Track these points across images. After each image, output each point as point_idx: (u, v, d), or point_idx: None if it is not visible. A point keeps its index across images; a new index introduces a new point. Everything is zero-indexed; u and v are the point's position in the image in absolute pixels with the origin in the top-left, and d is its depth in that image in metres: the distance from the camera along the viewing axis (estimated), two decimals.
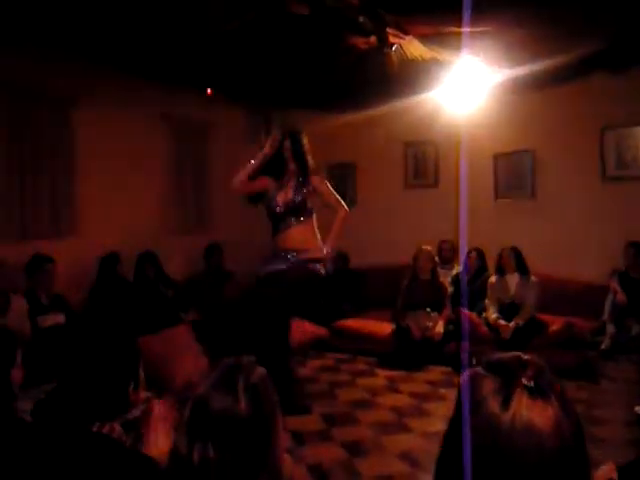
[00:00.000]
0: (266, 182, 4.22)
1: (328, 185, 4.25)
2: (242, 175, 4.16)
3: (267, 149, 4.16)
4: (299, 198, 4.10)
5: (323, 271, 4.12)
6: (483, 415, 0.83)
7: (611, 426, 3.63)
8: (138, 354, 1.63)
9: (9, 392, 1.71)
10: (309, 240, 4.10)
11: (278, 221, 4.17)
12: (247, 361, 1.30)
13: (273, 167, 4.19)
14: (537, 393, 0.83)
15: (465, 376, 0.89)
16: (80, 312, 4.89)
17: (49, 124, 5.16)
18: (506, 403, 0.83)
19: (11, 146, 4.89)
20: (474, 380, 0.88)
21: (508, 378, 0.86)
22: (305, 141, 4.19)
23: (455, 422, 0.88)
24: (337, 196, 4.23)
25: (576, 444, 0.82)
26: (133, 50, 4.93)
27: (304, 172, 4.16)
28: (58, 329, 4.39)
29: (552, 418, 0.81)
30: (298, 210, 4.11)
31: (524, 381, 0.84)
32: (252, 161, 4.17)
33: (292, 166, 4.17)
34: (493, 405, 0.83)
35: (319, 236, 4.16)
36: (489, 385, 0.86)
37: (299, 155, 4.15)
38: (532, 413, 0.81)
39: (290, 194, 4.12)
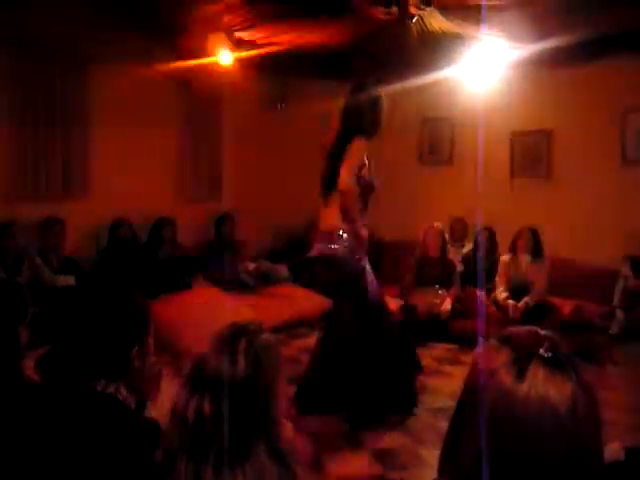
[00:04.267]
0: None
1: None
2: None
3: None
4: None
5: None
6: (495, 386, 0.82)
7: (615, 410, 3.62)
8: (146, 318, 1.61)
9: (16, 349, 1.72)
10: None
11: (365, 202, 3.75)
12: (254, 326, 1.31)
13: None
14: (555, 366, 0.81)
15: (479, 347, 0.88)
16: (90, 274, 4.93)
17: (63, 86, 5.14)
18: (521, 374, 0.81)
19: (25, 108, 4.88)
20: (488, 351, 0.86)
21: (524, 350, 0.84)
22: None
23: (466, 394, 0.87)
24: None
25: (591, 421, 0.81)
26: (149, 10, 4.85)
27: None
28: (68, 290, 4.44)
29: (569, 393, 0.79)
30: None
31: (542, 352, 0.82)
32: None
33: None
34: (506, 376, 0.81)
35: None
36: (503, 356, 0.84)
37: None
38: (548, 386, 0.79)
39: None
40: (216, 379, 1.17)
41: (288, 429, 1.25)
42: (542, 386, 0.79)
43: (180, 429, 1.16)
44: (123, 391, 1.43)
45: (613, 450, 1.41)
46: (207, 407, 1.14)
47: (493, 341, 0.87)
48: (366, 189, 3.68)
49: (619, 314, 5.20)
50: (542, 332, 0.87)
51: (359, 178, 3.56)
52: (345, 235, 3.56)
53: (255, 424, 1.17)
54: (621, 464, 1.32)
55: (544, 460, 0.77)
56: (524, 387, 0.79)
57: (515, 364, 0.82)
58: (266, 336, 1.30)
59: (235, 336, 1.25)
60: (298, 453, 1.25)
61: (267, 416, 1.19)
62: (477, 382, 0.83)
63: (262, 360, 1.23)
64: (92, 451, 1.28)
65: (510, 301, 5.12)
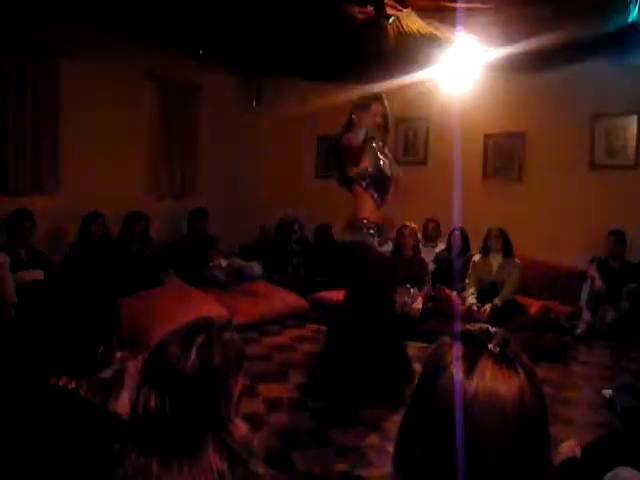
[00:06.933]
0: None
1: None
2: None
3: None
4: None
5: None
6: (446, 381, 0.83)
7: (579, 408, 3.70)
8: (115, 314, 1.59)
9: None
10: None
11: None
12: (219, 323, 1.28)
13: None
14: (502, 361, 0.83)
15: (432, 345, 0.89)
16: (58, 269, 4.85)
17: (33, 78, 5.04)
18: (471, 370, 0.83)
19: None
20: (440, 347, 0.88)
21: (474, 346, 0.86)
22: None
23: (419, 389, 0.89)
24: None
25: (538, 416, 0.83)
26: (123, 5, 4.80)
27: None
28: (37, 285, 4.36)
29: (516, 387, 0.81)
30: None
31: (490, 347, 0.84)
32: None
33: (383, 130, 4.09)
34: (457, 371, 0.83)
35: None
36: (455, 352, 0.86)
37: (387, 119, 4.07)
38: (496, 380, 0.81)
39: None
40: (165, 372, 1.15)
41: (242, 428, 1.22)
42: (490, 381, 0.81)
43: (131, 421, 1.14)
44: (85, 387, 1.42)
45: (568, 447, 1.44)
46: (154, 400, 1.12)
47: (446, 338, 0.89)
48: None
49: (585, 314, 5.30)
50: (492, 329, 0.89)
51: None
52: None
53: (203, 421, 1.15)
54: (575, 462, 1.35)
55: (491, 454, 0.79)
56: (473, 382, 0.81)
57: (466, 360, 0.84)
58: (229, 334, 1.27)
59: (195, 330, 1.22)
60: (256, 451, 1.23)
61: (216, 414, 1.17)
62: (430, 377, 0.84)
63: (215, 357, 1.19)
64: (48, 444, 1.26)
65: (474, 307, 5.17)
